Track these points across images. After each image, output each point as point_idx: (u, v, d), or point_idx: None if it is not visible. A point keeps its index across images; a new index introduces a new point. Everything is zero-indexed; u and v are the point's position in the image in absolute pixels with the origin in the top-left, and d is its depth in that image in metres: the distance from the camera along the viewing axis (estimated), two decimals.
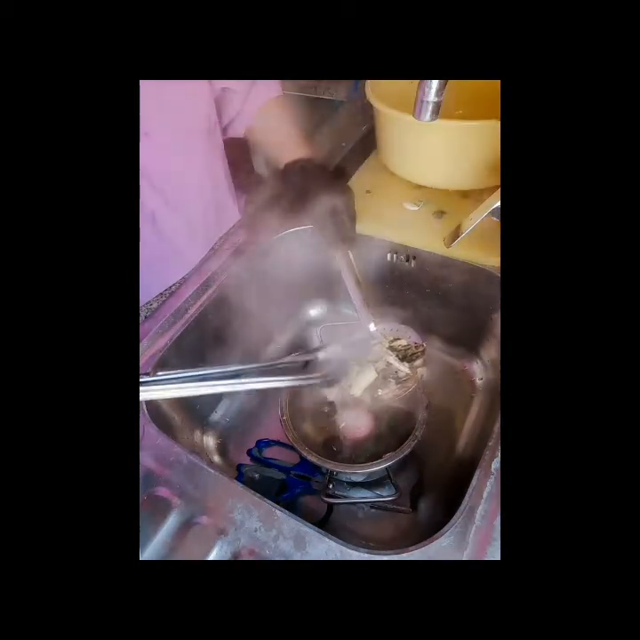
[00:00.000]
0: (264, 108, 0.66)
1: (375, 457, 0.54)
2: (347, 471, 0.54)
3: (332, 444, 0.60)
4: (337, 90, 1.25)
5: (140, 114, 0.48)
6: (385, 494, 0.56)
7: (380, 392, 0.59)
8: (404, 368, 0.58)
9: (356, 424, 0.61)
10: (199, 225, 0.66)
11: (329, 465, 0.54)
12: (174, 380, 0.43)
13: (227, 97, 0.65)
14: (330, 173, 0.60)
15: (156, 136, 0.53)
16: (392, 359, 0.58)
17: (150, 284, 0.62)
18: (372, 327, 0.60)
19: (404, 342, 0.60)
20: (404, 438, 0.54)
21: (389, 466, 0.53)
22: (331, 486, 0.57)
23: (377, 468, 0.52)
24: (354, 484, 0.59)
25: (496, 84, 0.38)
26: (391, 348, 0.60)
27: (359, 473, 0.55)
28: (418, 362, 0.59)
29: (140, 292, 0.61)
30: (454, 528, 0.39)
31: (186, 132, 0.58)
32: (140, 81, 0.45)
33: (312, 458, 0.54)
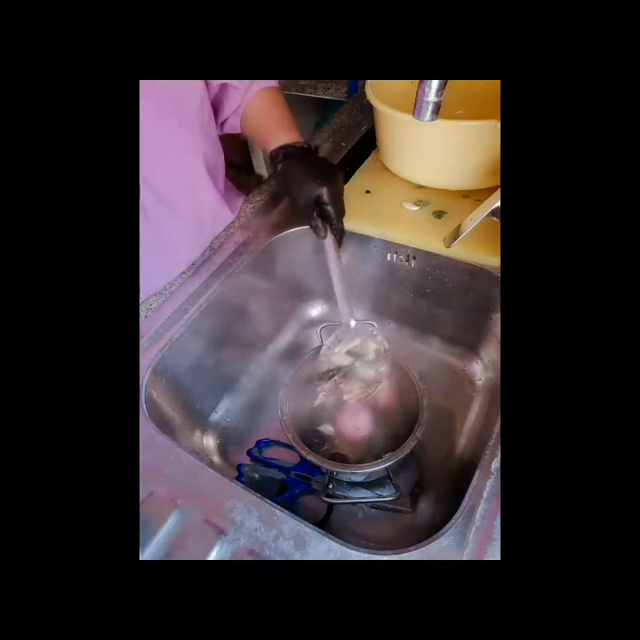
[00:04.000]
0: (252, 99, 0.65)
1: (375, 457, 0.54)
2: (346, 471, 0.54)
3: (332, 444, 0.60)
4: (337, 90, 1.25)
5: None
6: (385, 494, 0.56)
7: (344, 397, 0.59)
8: (369, 372, 0.58)
9: (355, 424, 0.61)
10: (194, 222, 0.65)
11: (329, 465, 0.54)
12: None
13: (226, 93, 0.64)
14: (316, 160, 0.59)
15: (145, 131, 0.52)
16: (358, 364, 0.59)
17: (147, 281, 0.62)
18: (352, 323, 0.60)
19: (372, 348, 0.60)
20: (403, 438, 0.54)
21: (389, 466, 0.53)
22: (331, 486, 0.57)
23: (377, 467, 0.52)
24: (354, 484, 0.59)
25: (496, 84, 0.38)
26: (356, 354, 0.60)
27: (359, 473, 0.55)
28: (383, 367, 0.59)
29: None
30: (454, 528, 0.39)
31: (176, 126, 0.57)
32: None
33: (312, 458, 0.54)
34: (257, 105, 0.65)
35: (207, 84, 0.60)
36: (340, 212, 0.57)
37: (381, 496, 0.57)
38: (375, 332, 0.61)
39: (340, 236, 0.58)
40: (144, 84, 0.49)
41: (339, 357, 0.60)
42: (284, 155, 0.59)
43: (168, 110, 0.55)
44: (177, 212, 0.61)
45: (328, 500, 0.56)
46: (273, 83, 0.67)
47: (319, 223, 0.57)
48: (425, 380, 0.58)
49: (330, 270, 0.58)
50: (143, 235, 0.58)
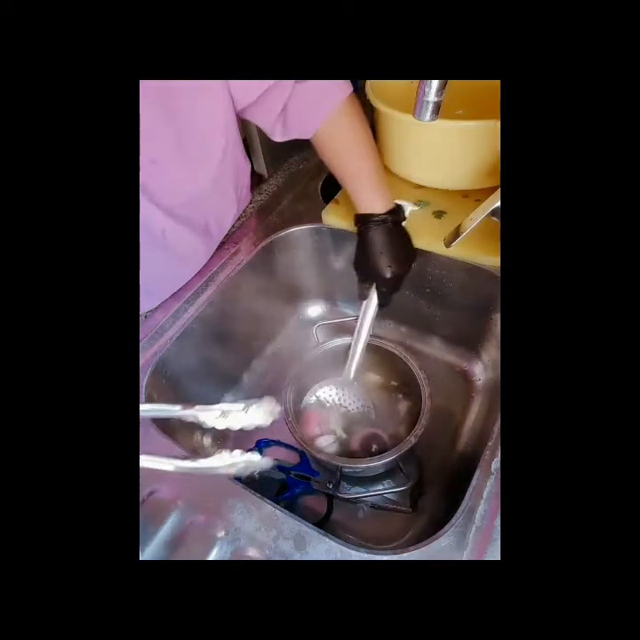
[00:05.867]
0: (337, 111, 0.55)
1: (380, 450, 0.54)
2: (360, 466, 0.54)
3: (337, 441, 0.60)
4: None
5: (148, 141, 0.46)
6: (396, 485, 0.57)
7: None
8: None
9: (359, 420, 0.62)
10: (209, 238, 0.65)
11: (337, 461, 0.54)
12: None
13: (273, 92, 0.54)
14: (397, 240, 0.57)
15: (164, 161, 0.51)
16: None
17: (157, 291, 0.62)
18: (350, 377, 0.61)
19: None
20: (408, 429, 0.55)
21: (400, 456, 0.53)
22: (333, 484, 0.57)
23: (385, 460, 0.52)
24: (362, 479, 0.60)
25: (496, 84, 0.38)
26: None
27: (366, 466, 0.55)
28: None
29: (146, 298, 0.61)
30: (454, 528, 0.39)
31: (198, 156, 0.55)
32: (150, 108, 0.44)
33: (320, 456, 0.54)
34: (338, 130, 0.56)
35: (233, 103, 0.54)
36: (396, 291, 0.59)
37: (394, 487, 0.57)
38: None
39: (384, 304, 0.59)
40: (163, 111, 0.48)
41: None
42: (369, 224, 0.56)
43: (190, 144, 0.52)
44: (192, 230, 0.60)
45: (342, 495, 0.57)
46: (341, 90, 0.55)
47: (367, 290, 0.58)
48: (425, 370, 0.59)
49: (360, 327, 0.60)
50: (160, 258, 0.58)
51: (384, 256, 0.56)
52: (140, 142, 0.45)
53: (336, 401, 0.64)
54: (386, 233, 0.56)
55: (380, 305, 0.59)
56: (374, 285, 0.58)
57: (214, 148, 0.56)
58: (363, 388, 0.64)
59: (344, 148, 0.57)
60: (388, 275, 0.56)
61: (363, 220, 0.57)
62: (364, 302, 0.60)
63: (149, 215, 0.53)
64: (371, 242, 0.56)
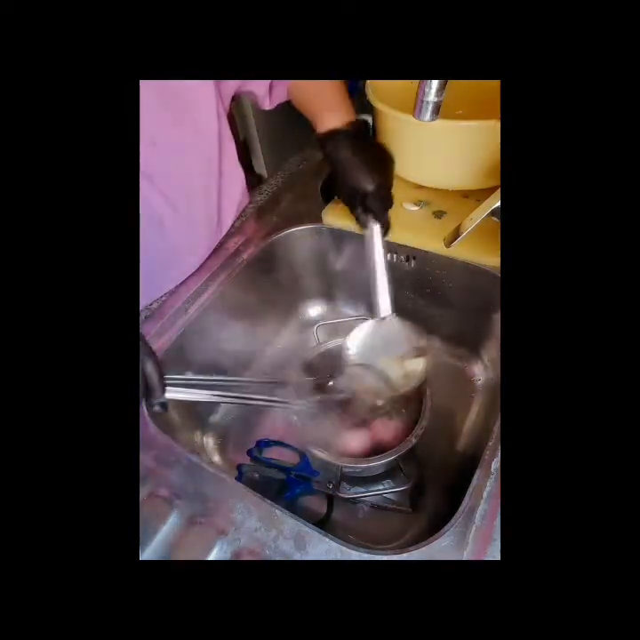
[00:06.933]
0: None
1: (381, 450, 0.54)
2: (360, 466, 0.54)
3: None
4: None
5: (146, 121, 0.47)
6: (396, 485, 0.57)
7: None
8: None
9: (361, 420, 0.61)
10: (207, 231, 0.65)
11: (339, 461, 0.54)
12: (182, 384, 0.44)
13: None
14: (366, 147, 0.55)
15: (163, 143, 0.52)
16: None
17: (154, 286, 0.62)
18: (386, 311, 0.57)
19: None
20: (408, 429, 0.55)
21: (400, 456, 0.53)
22: (333, 484, 0.57)
23: (385, 460, 0.52)
24: (362, 479, 0.60)
25: (496, 84, 0.38)
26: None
27: (366, 466, 0.55)
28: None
29: (142, 293, 0.61)
30: (454, 528, 0.39)
31: (193, 140, 0.56)
32: (144, 89, 0.44)
33: (320, 455, 0.54)
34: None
35: (221, 95, 0.58)
36: (387, 205, 0.55)
37: (393, 487, 0.58)
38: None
39: (386, 228, 0.56)
40: (160, 98, 0.49)
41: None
42: (331, 141, 0.55)
43: (185, 123, 0.54)
44: (190, 221, 0.61)
45: (342, 495, 0.57)
46: None
47: (361, 214, 0.55)
48: (426, 377, 0.59)
49: (373, 262, 0.56)
50: (157, 245, 0.57)
51: (360, 170, 0.53)
52: (140, 123, 0.46)
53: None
54: (353, 147, 0.54)
55: (382, 227, 0.55)
56: (367, 209, 0.55)
57: (209, 133, 0.57)
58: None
59: (310, 89, 0.60)
60: (372, 187, 0.53)
61: (328, 137, 0.56)
62: (366, 233, 0.56)
63: (149, 198, 0.53)
64: (342, 160, 0.54)
